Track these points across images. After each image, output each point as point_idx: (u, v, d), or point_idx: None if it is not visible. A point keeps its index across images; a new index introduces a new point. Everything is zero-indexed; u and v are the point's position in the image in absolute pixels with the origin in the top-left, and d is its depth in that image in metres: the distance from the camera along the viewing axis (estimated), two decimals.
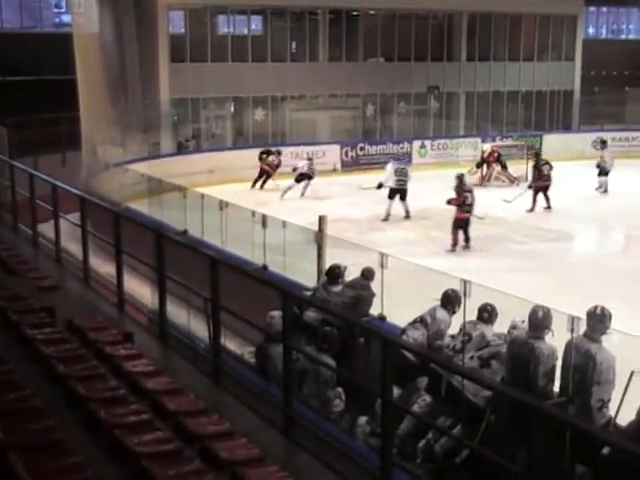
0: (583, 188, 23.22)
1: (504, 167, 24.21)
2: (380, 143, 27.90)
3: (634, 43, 36.70)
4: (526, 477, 4.15)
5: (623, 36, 38.10)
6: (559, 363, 6.63)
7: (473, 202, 16.77)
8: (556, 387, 6.68)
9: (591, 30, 36.93)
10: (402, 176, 19.69)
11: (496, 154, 24.34)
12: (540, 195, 20.17)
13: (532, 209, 20.07)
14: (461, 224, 16.56)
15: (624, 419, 6.20)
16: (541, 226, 18.64)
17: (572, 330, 5.66)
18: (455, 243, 16.48)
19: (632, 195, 21.31)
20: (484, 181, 23.92)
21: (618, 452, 5.08)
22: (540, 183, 20.22)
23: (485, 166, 24.35)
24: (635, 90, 31.60)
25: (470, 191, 16.91)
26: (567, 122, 31.55)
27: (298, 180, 22.37)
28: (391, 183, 19.66)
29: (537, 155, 21.53)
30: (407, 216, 19.49)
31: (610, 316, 6.45)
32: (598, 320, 6.37)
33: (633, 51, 35.07)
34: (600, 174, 22.53)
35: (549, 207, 20.10)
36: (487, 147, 25.03)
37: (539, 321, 6.66)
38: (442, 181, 23.99)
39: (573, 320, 5.57)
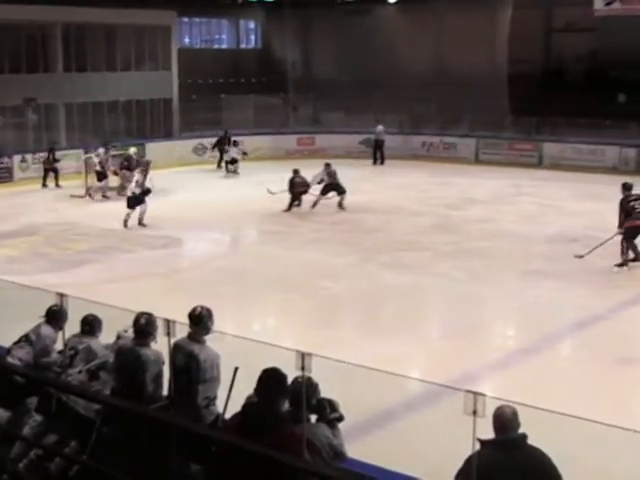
0: (189, 193, 23.90)
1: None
2: None
3: (226, 52, 38.29)
4: None
5: (216, 45, 39.58)
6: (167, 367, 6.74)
7: None
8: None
9: (187, 40, 37.93)
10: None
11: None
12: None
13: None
14: None
15: (232, 414, 6.44)
16: (150, 234, 18.83)
17: (169, 334, 5.78)
18: None
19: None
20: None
21: (223, 445, 5.30)
22: None
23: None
24: (230, 97, 33.00)
25: None
26: (168, 129, 32.14)
27: None
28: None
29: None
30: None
31: (211, 316, 6.64)
32: (199, 321, 6.54)
33: (226, 59, 36.59)
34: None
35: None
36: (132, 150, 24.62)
37: (142, 328, 6.71)
38: (46, 194, 23.56)
39: (169, 324, 5.69)
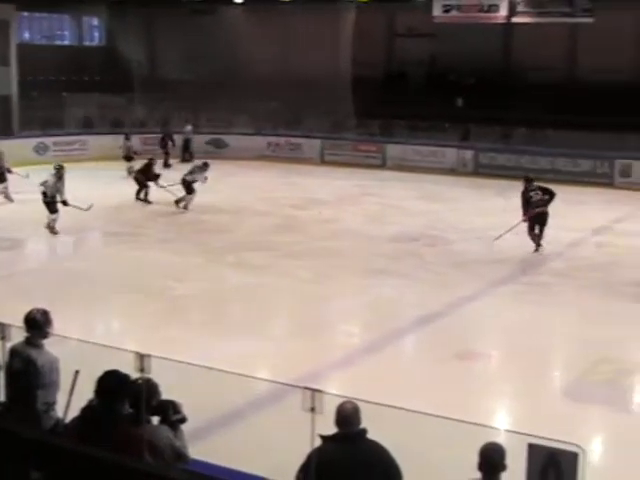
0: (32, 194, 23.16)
1: None
2: None
3: (69, 48, 37.32)
4: None
5: (58, 42, 38.51)
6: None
7: None
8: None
9: (27, 35, 36.76)
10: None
11: None
12: None
13: None
14: None
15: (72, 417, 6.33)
16: None
17: (3, 338, 5.63)
18: None
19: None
20: None
21: (63, 451, 5.19)
22: None
23: None
24: (72, 95, 32.22)
25: None
26: (7, 128, 31.04)
27: None
28: None
29: None
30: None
31: (49, 320, 6.48)
32: (35, 324, 6.38)
33: (68, 56, 35.65)
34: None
35: None
36: None
37: None
38: None
39: (3, 327, 5.54)
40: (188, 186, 21.29)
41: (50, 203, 18.27)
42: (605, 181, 26.88)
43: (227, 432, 8.49)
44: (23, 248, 18.26)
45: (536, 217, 16.99)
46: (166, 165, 27.94)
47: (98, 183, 24.32)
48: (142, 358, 4.68)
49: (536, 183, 17.38)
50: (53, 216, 18.33)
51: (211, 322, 12.89)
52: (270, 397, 9.20)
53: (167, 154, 29.09)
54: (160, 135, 30.17)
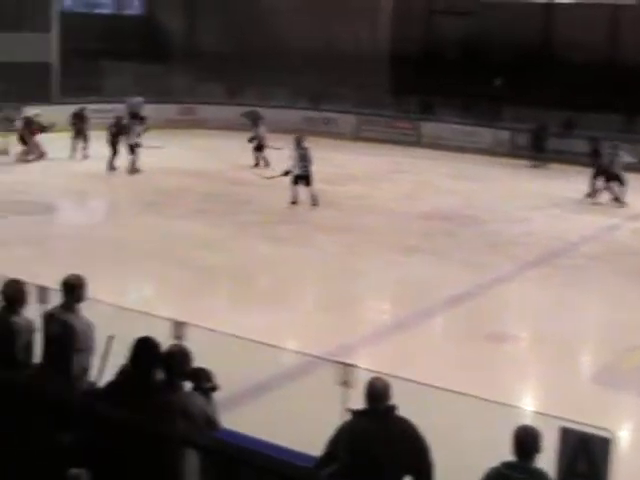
0: (65, 159, 23.35)
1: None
2: None
3: (108, 17, 37.30)
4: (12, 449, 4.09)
5: (98, 10, 38.53)
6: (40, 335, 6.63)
7: None
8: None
9: (67, 3, 36.80)
10: (304, 161, 18.50)
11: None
12: None
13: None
14: None
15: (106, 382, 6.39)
16: (23, 199, 18.33)
17: (42, 301, 5.68)
18: None
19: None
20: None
21: (97, 414, 5.25)
22: None
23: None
24: (109, 63, 32.28)
25: None
26: (47, 94, 31.16)
27: None
28: (297, 170, 18.51)
29: None
30: (314, 203, 18.50)
31: (85, 285, 6.52)
32: (72, 289, 6.43)
33: (108, 25, 35.64)
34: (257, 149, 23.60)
35: None
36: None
37: (11, 295, 6.52)
38: None
39: (42, 291, 5.59)
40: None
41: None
42: None
43: (256, 402, 8.53)
44: (57, 213, 18.43)
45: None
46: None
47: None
48: (179, 325, 4.71)
49: None
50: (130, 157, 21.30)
51: (241, 293, 12.94)
52: (298, 369, 9.24)
53: None
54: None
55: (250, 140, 23.90)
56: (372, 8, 33.81)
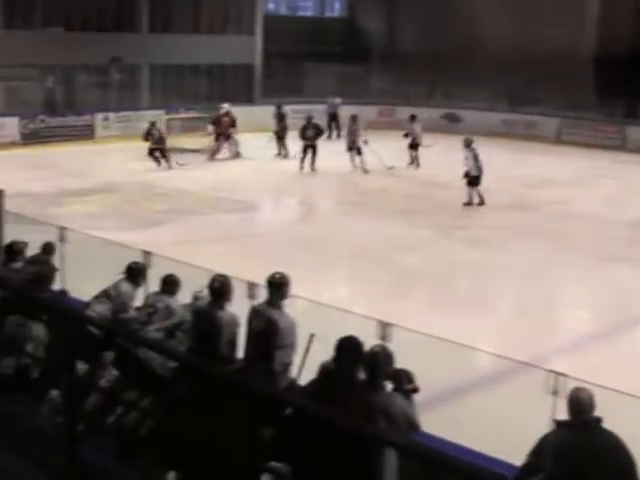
0: (267, 158, 24.05)
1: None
2: (61, 115, 27.12)
3: (310, 19, 38.12)
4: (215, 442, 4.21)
5: (301, 13, 39.42)
6: (244, 330, 6.81)
7: None
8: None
9: (271, 6, 37.87)
10: (477, 161, 18.87)
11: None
12: None
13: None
14: None
15: (306, 380, 6.49)
16: (226, 197, 19.00)
17: (251, 297, 5.82)
18: None
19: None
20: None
21: (299, 411, 5.33)
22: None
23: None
24: (311, 65, 32.96)
25: None
26: (249, 95, 32.22)
27: None
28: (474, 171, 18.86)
29: None
30: (482, 202, 18.96)
31: (289, 282, 6.67)
32: (278, 286, 6.58)
33: (310, 27, 36.43)
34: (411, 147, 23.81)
35: None
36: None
37: (218, 290, 6.77)
38: (126, 153, 23.87)
39: (251, 287, 5.73)
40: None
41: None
42: None
43: (455, 406, 8.45)
44: (257, 211, 18.97)
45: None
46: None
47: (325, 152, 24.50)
48: (384, 326, 4.72)
49: None
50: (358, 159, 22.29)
51: (436, 295, 12.85)
52: (496, 375, 9.09)
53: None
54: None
55: (405, 135, 23.82)
56: (578, 9, 32.82)
